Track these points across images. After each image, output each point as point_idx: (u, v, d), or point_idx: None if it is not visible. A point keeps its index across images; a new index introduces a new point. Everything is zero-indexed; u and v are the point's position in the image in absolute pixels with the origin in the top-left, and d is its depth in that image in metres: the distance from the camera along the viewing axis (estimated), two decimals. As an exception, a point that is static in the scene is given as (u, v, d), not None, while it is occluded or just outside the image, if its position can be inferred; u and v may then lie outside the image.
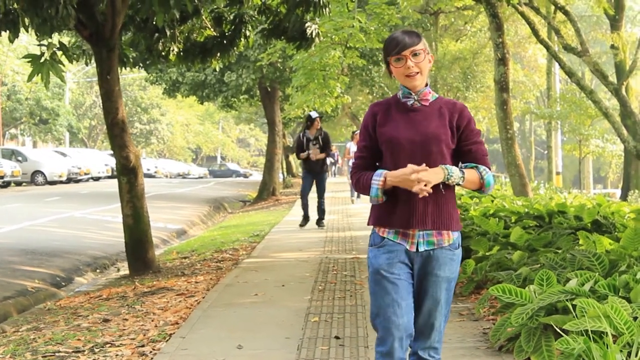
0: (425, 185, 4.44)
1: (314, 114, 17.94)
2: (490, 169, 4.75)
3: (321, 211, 18.28)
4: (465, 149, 4.70)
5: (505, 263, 9.02)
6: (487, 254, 9.87)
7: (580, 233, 9.16)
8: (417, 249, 4.65)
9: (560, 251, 8.76)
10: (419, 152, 4.58)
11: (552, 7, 24.04)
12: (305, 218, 18.38)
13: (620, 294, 6.26)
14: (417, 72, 4.62)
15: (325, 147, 17.76)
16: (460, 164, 4.71)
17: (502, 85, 18.04)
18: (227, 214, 30.62)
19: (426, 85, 4.74)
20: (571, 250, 8.29)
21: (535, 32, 20.36)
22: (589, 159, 49.67)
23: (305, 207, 18.26)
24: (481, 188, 4.70)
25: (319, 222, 18.37)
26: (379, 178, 4.61)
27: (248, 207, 32.50)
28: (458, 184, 4.62)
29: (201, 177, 78.23)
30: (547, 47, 21.00)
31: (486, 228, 10.86)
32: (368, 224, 4.84)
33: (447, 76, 36.12)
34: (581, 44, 20.67)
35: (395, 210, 4.66)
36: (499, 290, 6.57)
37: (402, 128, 4.66)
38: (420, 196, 4.49)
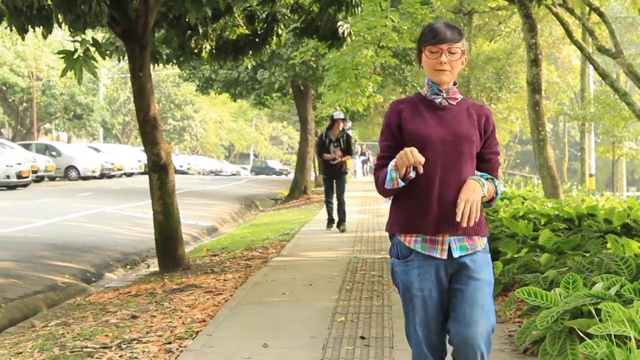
0: (476, 205, 4.29)
1: (336, 115, 17.46)
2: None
3: (342, 212, 17.70)
4: (485, 157, 4.57)
5: (532, 265, 9.00)
6: (515, 256, 9.86)
7: (609, 236, 9.12)
8: (449, 255, 4.40)
9: (588, 254, 8.73)
10: (450, 152, 4.39)
11: (587, 8, 23.95)
12: (331, 220, 17.95)
13: (646, 299, 6.23)
14: (448, 70, 4.42)
15: (348, 149, 17.31)
16: (475, 173, 4.52)
17: (535, 87, 17.97)
18: (259, 211, 30.68)
19: (455, 83, 4.55)
20: (599, 253, 8.26)
21: (569, 33, 20.25)
22: (622, 161, 49.34)
23: (329, 210, 17.87)
24: (489, 202, 4.54)
25: (340, 225, 17.72)
26: (392, 162, 4.34)
27: (279, 205, 32.56)
28: (484, 195, 4.41)
29: (234, 175, 78.37)
30: (581, 49, 20.88)
31: (515, 230, 10.83)
32: (387, 230, 4.62)
33: (480, 76, 35.97)
34: (615, 46, 20.54)
35: (421, 214, 4.41)
36: (524, 292, 6.55)
37: (433, 126, 4.44)
38: (471, 224, 4.31)
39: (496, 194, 4.50)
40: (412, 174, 4.32)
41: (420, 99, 4.56)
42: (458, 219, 4.27)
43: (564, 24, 20.24)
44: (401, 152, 4.24)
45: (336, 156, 17.08)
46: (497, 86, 36.35)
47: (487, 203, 4.52)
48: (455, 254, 4.41)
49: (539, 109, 18.02)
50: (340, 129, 17.31)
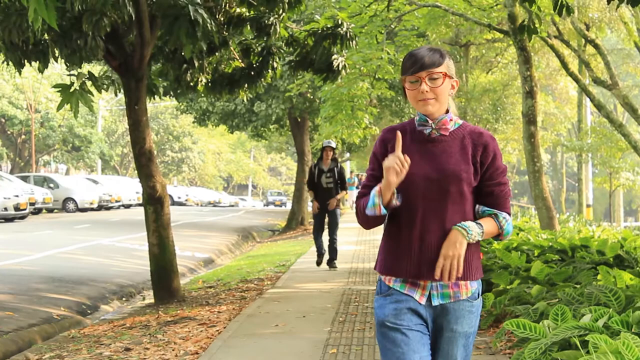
0: (457, 261, 3.95)
1: (325, 142, 16.29)
2: (510, 213, 4.18)
3: (333, 250, 16.32)
4: (487, 190, 4.13)
5: (524, 297, 9.04)
6: (507, 287, 9.89)
7: (600, 268, 9.18)
8: (429, 301, 4.07)
9: (579, 286, 8.78)
10: (434, 191, 4.01)
11: (583, 40, 24.08)
12: (320, 255, 16.42)
13: (633, 330, 6.28)
14: (432, 98, 4.04)
15: (342, 183, 15.97)
16: (477, 207, 4.14)
17: (530, 118, 18.04)
18: (256, 243, 30.72)
19: (447, 111, 4.14)
20: (589, 285, 8.30)
21: (565, 65, 20.37)
22: (619, 191, 49.40)
23: (319, 244, 16.34)
24: (499, 237, 4.17)
25: (331, 263, 16.37)
26: (376, 187, 4.04)
27: (276, 237, 32.61)
28: (477, 240, 4.05)
29: (232, 206, 78.37)
30: (577, 80, 20.99)
31: (508, 262, 10.88)
32: (375, 269, 4.25)
33: (477, 108, 36.08)
34: (611, 77, 20.68)
35: (403, 256, 4.06)
36: (513, 324, 6.59)
37: (417, 162, 4.02)
38: (452, 280, 3.97)
39: (501, 229, 4.11)
40: (396, 202, 4.02)
41: (411, 129, 4.19)
42: (437, 277, 3.97)
43: (559, 56, 20.35)
44: (386, 162, 3.94)
45: (331, 204, 15.78)
46: (493, 117, 36.41)
47: (496, 237, 4.17)
48: (435, 302, 4.07)
49: (534, 140, 18.09)
50: (331, 157, 16.00)
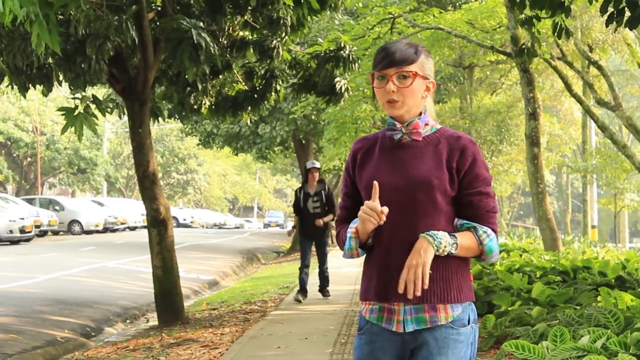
0: (422, 270, 3.42)
1: (309, 164, 15.02)
2: (496, 230, 3.62)
3: (324, 278, 15.03)
4: (465, 200, 3.59)
5: (524, 318, 9.08)
6: (508, 308, 9.93)
7: (601, 289, 9.22)
8: (404, 328, 3.55)
9: (579, 307, 8.82)
10: (403, 201, 3.52)
11: (586, 62, 24.17)
12: (302, 291, 14.70)
13: (631, 351, 6.31)
14: (399, 100, 3.56)
15: (330, 207, 14.57)
16: (456, 221, 3.62)
17: (533, 140, 18.11)
18: (260, 264, 30.74)
19: (420, 114, 3.64)
20: (589, 306, 8.34)
21: (568, 87, 20.46)
22: (624, 212, 49.43)
23: (302, 278, 14.63)
24: (480, 255, 3.60)
25: (324, 292, 15.10)
26: (353, 225, 3.64)
27: (281, 258, 32.64)
28: (450, 253, 3.50)
29: (237, 227, 78.42)
30: (580, 102, 21.06)
31: (510, 283, 10.92)
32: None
33: (481, 129, 36.15)
34: (614, 99, 20.75)
35: (373, 276, 3.62)
36: (512, 346, 6.63)
37: (384, 170, 3.61)
38: (417, 294, 3.44)
39: (482, 244, 3.55)
40: (370, 241, 3.63)
41: (382, 136, 3.74)
42: (400, 290, 3.46)
43: (563, 78, 20.45)
44: (360, 213, 3.51)
45: (318, 222, 14.32)
46: (497, 139, 36.47)
47: (479, 257, 3.59)
48: (409, 328, 3.54)
49: (537, 162, 18.15)
50: (317, 179, 14.71)
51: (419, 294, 3.42)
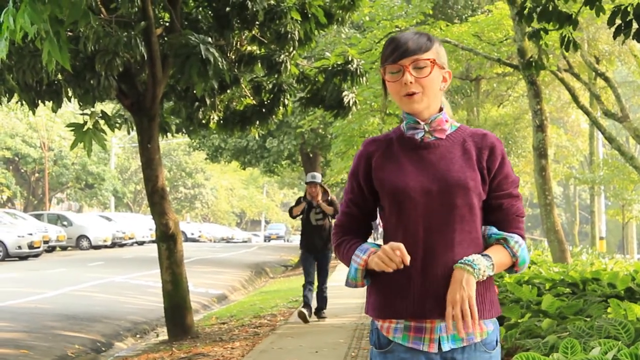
0: (469, 304, 3.11)
1: (309, 178, 14.48)
2: (524, 235, 3.36)
3: (322, 299, 14.18)
4: (495, 204, 3.31)
5: (535, 331, 9.07)
6: (518, 321, 9.93)
7: (611, 301, 9.21)
8: (439, 347, 3.24)
9: (589, 319, 8.81)
10: (437, 207, 3.20)
11: (593, 74, 24.21)
12: (306, 306, 13.85)
13: (642, 363, 6.31)
14: (419, 92, 3.24)
15: (334, 216, 13.71)
16: (483, 229, 3.33)
17: (541, 152, 18.10)
18: (269, 278, 30.75)
19: (440, 110, 3.34)
20: (599, 318, 8.34)
21: (575, 98, 20.50)
22: (632, 223, 49.37)
23: (306, 294, 13.94)
24: (513, 267, 3.33)
25: (319, 313, 14.12)
26: (362, 255, 3.29)
27: (289, 272, 32.61)
28: (489, 276, 3.23)
29: (245, 241, 78.40)
30: (587, 113, 21.12)
31: (519, 295, 10.91)
32: (366, 312, 3.43)
33: (489, 141, 36.12)
34: (621, 110, 20.81)
35: (401, 292, 3.24)
36: (523, 358, 6.63)
37: (412, 173, 3.25)
38: (469, 330, 3.15)
39: (515, 257, 3.28)
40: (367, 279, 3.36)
41: (398, 136, 3.39)
42: (449, 331, 3.21)
43: (570, 89, 20.49)
44: (380, 253, 3.17)
45: (318, 203, 13.95)
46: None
47: (511, 269, 3.33)
48: (445, 347, 3.24)
49: (545, 174, 18.14)
50: (317, 195, 14.05)
51: (470, 330, 3.14)
